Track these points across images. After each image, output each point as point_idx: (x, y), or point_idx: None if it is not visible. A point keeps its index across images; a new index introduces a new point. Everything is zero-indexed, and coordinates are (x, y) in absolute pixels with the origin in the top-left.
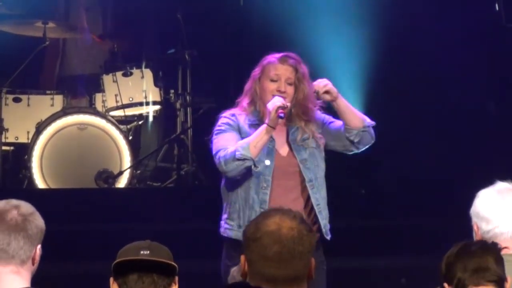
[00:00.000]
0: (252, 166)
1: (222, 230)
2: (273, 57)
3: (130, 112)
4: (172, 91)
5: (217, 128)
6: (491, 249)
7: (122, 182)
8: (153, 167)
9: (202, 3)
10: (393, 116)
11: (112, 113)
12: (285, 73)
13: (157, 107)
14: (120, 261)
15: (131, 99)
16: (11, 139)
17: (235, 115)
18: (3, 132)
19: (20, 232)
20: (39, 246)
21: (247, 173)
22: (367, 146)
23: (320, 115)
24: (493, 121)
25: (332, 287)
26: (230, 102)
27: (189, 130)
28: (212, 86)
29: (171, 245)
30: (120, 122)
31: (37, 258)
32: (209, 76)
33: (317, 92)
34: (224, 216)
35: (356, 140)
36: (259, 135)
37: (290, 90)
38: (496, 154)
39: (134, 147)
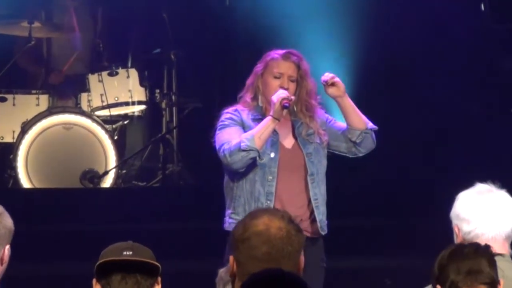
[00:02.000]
0: (257, 158)
1: (226, 225)
2: (276, 53)
3: (115, 111)
4: (157, 90)
5: (220, 123)
6: (484, 251)
7: (107, 182)
8: (139, 167)
9: (188, 3)
10: (383, 116)
11: (98, 112)
12: (287, 70)
13: (143, 106)
14: (102, 261)
15: (116, 98)
16: None
17: (238, 110)
18: None
19: None
20: (7, 247)
21: (252, 167)
22: (369, 151)
23: (323, 114)
24: (479, 121)
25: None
26: (215, 102)
27: (174, 130)
28: (198, 86)
29: (156, 244)
30: (105, 121)
31: (6, 258)
32: (194, 76)
33: (325, 83)
34: (229, 211)
35: (357, 141)
36: (264, 127)
37: (292, 87)
38: (480, 155)
39: (120, 146)
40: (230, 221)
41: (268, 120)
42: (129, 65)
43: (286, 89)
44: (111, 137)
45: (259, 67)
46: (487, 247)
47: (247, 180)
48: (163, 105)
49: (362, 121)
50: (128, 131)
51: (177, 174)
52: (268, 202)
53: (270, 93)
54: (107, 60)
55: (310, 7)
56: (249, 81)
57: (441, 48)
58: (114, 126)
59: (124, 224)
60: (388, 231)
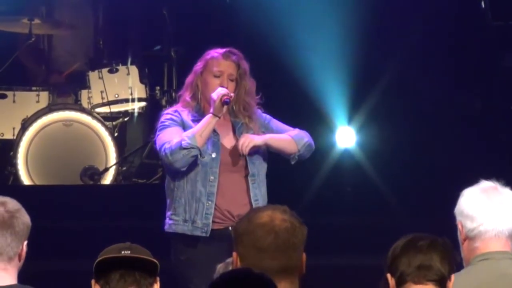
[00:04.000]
0: (199, 156)
1: (166, 226)
2: (216, 52)
3: (115, 108)
4: (158, 88)
5: (160, 124)
6: (438, 246)
7: (107, 179)
8: (139, 164)
9: (188, 0)
10: (383, 114)
11: (98, 109)
12: (227, 69)
13: (143, 103)
14: (101, 259)
15: (116, 95)
16: None
17: (178, 111)
18: None
19: (8, 229)
20: (25, 243)
21: (193, 167)
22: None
23: (263, 114)
24: (480, 119)
25: (321, 284)
26: None
27: None
28: None
29: (156, 242)
30: (105, 118)
31: (24, 254)
32: None
33: (243, 155)
34: (169, 213)
35: (296, 159)
36: (204, 125)
37: (232, 86)
38: (482, 152)
39: (120, 143)
40: (170, 222)
41: (208, 117)
42: (129, 62)
43: (226, 88)
44: (111, 134)
45: (198, 66)
46: (443, 241)
47: (188, 181)
48: (164, 102)
49: (292, 147)
50: (128, 128)
51: None
52: (210, 202)
53: (210, 92)
54: (107, 57)
55: (311, 6)
56: (188, 80)
57: (441, 46)
58: (114, 123)
59: (124, 221)
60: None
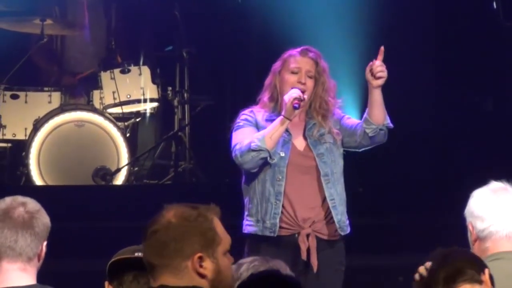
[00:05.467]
0: (268, 158)
1: (243, 228)
2: (294, 50)
3: (127, 109)
4: (169, 88)
5: (235, 125)
6: (457, 254)
7: (119, 179)
8: (151, 164)
9: (200, 1)
10: (394, 114)
11: (110, 110)
12: (305, 65)
13: (155, 104)
14: (115, 260)
15: (128, 96)
16: (8, 136)
17: (253, 111)
18: (1, 129)
19: (27, 229)
20: (44, 243)
21: (263, 167)
22: (377, 144)
23: (338, 112)
24: (491, 119)
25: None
26: (227, 99)
27: (186, 127)
28: (210, 84)
29: None
30: (117, 119)
31: (43, 254)
32: (206, 73)
33: (370, 70)
34: (245, 213)
35: (371, 135)
36: (275, 127)
37: (310, 82)
38: (493, 153)
39: (132, 144)
40: (245, 223)
41: (279, 120)
42: (141, 62)
43: (304, 83)
44: (123, 134)
45: (276, 65)
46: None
47: (259, 181)
48: (175, 102)
49: (382, 117)
50: (140, 129)
51: (189, 171)
52: (277, 201)
53: (287, 89)
54: (120, 57)
55: (322, 5)
56: (267, 81)
57: (453, 46)
58: (126, 123)
59: (136, 222)
60: (403, 228)
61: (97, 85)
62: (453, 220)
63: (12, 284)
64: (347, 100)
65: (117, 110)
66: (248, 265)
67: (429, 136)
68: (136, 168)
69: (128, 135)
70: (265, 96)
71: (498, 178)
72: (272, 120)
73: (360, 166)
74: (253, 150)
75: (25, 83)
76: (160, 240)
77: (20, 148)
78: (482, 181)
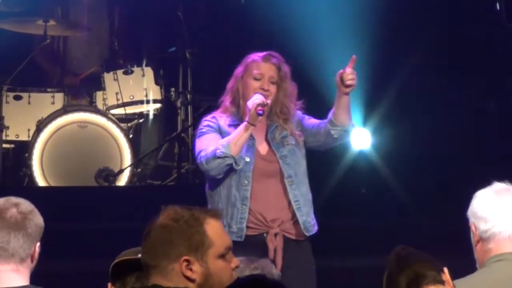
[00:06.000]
0: (234, 164)
1: None
2: (257, 55)
3: (130, 110)
4: (173, 89)
5: (198, 131)
6: (410, 258)
7: (122, 181)
8: (154, 166)
9: (203, 1)
10: (398, 116)
11: (113, 111)
12: (268, 71)
13: (158, 105)
14: (118, 261)
15: (131, 97)
16: (11, 137)
17: (216, 117)
18: (4, 130)
19: (20, 230)
20: (38, 244)
21: (229, 172)
22: (340, 143)
23: (299, 113)
24: (494, 120)
25: (335, 286)
26: None
27: (189, 129)
28: (213, 84)
29: None
30: (120, 120)
31: (36, 255)
32: (210, 75)
33: (341, 78)
34: None
35: (335, 136)
36: (239, 133)
37: (272, 88)
38: (496, 154)
39: (135, 145)
40: None
41: (243, 126)
42: (144, 63)
43: (267, 90)
44: (126, 135)
45: (239, 70)
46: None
47: (224, 186)
48: (178, 103)
49: (348, 119)
50: (143, 130)
51: (192, 172)
52: (244, 206)
53: (250, 95)
54: (123, 58)
55: (324, 6)
56: (229, 85)
57: (456, 47)
58: (129, 124)
59: (139, 223)
60: (407, 230)
61: (100, 86)
62: (456, 221)
63: (4, 285)
64: (352, 100)
65: (120, 111)
66: (243, 267)
67: (431, 137)
68: (139, 169)
69: (131, 136)
70: (227, 100)
71: (501, 179)
72: (235, 125)
73: (363, 167)
74: (219, 157)
75: (28, 84)
76: (151, 241)
77: (23, 149)
78: (485, 182)
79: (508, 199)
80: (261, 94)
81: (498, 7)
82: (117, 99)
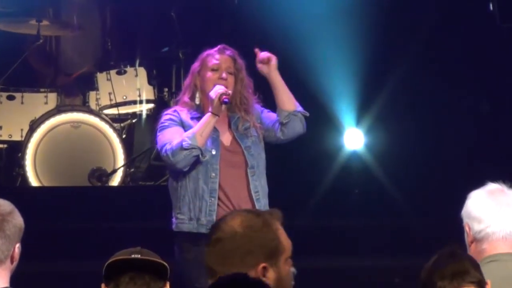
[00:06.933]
0: (200, 156)
1: (173, 226)
2: (211, 50)
3: (124, 110)
4: (166, 89)
5: (160, 125)
6: (465, 255)
7: (115, 181)
8: (147, 166)
9: (197, 2)
10: (391, 116)
11: (106, 111)
12: (224, 62)
13: (151, 105)
14: (111, 261)
15: (125, 97)
16: (4, 137)
17: (177, 110)
18: None
19: None
20: (18, 245)
21: (194, 165)
22: (296, 135)
23: (258, 107)
24: (488, 121)
25: (326, 286)
26: None
27: None
28: None
29: (164, 243)
30: (114, 120)
31: (16, 256)
32: None
33: (259, 60)
34: (174, 212)
35: (285, 121)
36: (204, 124)
37: (230, 78)
38: (489, 155)
39: (128, 145)
40: (176, 222)
41: (207, 117)
42: (138, 63)
43: (225, 79)
44: (119, 135)
45: (195, 66)
46: (465, 251)
47: (190, 179)
48: (172, 103)
49: (291, 103)
50: (136, 130)
51: None
52: (212, 199)
53: (209, 87)
54: (116, 58)
55: (319, 6)
56: (186, 82)
57: (450, 48)
58: (122, 124)
59: (132, 223)
60: (400, 230)
61: (93, 86)
62: (450, 222)
63: None
64: (345, 100)
65: (113, 111)
66: None
67: (424, 137)
68: (132, 170)
69: (124, 136)
70: (185, 97)
71: (495, 179)
72: (198, 118)
73: (356, 167)
74: (185, 149)
75: (21, 84)
76: (225, 249)
77: (16, 149)
78: (479, 183)
79: (502, 200)
80: (221, 85)
81: (491, 8)
82: (110, 99)
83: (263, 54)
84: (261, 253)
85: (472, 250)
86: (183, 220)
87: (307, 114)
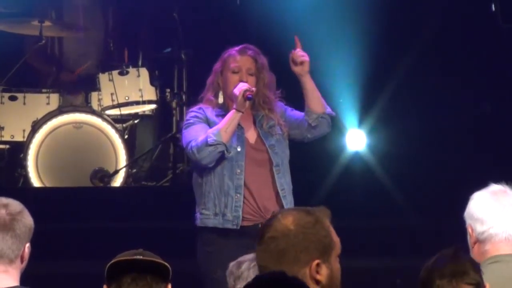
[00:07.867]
0: (225, 152)
1: (198, 221)
2: (233, 49)
3: (126, 111)
4: (168, 90)
5: (185, 122)
6: (466, 256)
7: (117, 181)
8: (149, 166)
9: (199, 2)
10: (393, 117)
11: (108, 112)
12: (245, 63)
13: (153, 106)
14: (113, 262)
15: (127, 98)
16: (6, 138)
17: (202, 108)
18: None
19: (8, 231)
20: (27, 245)
21: (219, 161)
22: (322, 135)
23: (282, 105)
24: (490, 122)
25: None
26: None
27: None
28: None
29: (166, 244)
30: (116, 121)
31: (26, 256)
32: (205, 75)
33: (292, 59)
34: (199, 207)
35: (313, 124)
36: (229, 120)
37: (251, 80)
38: (492, 155)
39: (130, 146)
40: (201, 217)
41: (232, 113)
42: (140, 64)
43: (246, 82)
44: (122, 136)
45: (217, 65)
46: (467, 253)
47: (215, 175)
48: (174, 104)
49: (321, 105)
50: (138, 130)
51: (187, 173)
52: (238, 195)
53: (230, 89)
54: (118, 59)
55: (322, 7)
56: (209, 81)
57: (452, 48)
58: (124, 125)
59: (134, 224)
60: (402, 231)
61: (96, 86)
62: (452, 223)
63: None
64: (346, 100)
65: (115, 111)
66: (249, 264)
67: (426, 138)
68: (134, 170)
69: (126, 137)
70: (209, 95)
71: (497, 180)
72: (222, 115)
73: (359, 168)
74: (210, 145)
75: (23, 85)
76: (279, 247)
77: (18, 149)
78: (481, 184)
79: (505, 201)
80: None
81: (493, 8)
82: (112, 100)
83: (297, 53)
84: (315, 250)
85: (475, 251)
86: (208, 216)
87: (334, 114)
